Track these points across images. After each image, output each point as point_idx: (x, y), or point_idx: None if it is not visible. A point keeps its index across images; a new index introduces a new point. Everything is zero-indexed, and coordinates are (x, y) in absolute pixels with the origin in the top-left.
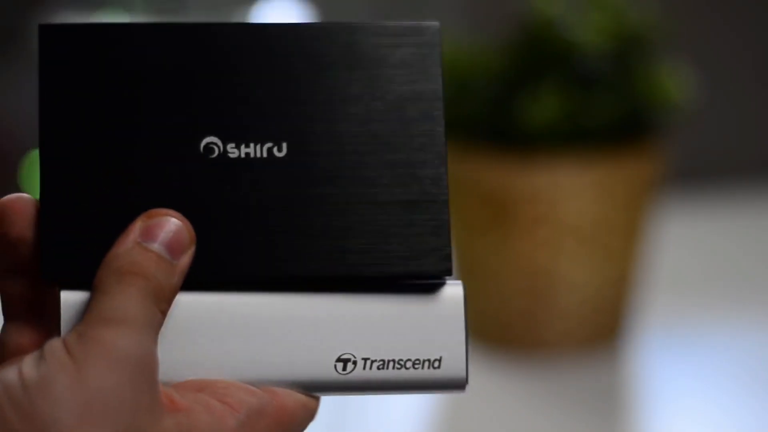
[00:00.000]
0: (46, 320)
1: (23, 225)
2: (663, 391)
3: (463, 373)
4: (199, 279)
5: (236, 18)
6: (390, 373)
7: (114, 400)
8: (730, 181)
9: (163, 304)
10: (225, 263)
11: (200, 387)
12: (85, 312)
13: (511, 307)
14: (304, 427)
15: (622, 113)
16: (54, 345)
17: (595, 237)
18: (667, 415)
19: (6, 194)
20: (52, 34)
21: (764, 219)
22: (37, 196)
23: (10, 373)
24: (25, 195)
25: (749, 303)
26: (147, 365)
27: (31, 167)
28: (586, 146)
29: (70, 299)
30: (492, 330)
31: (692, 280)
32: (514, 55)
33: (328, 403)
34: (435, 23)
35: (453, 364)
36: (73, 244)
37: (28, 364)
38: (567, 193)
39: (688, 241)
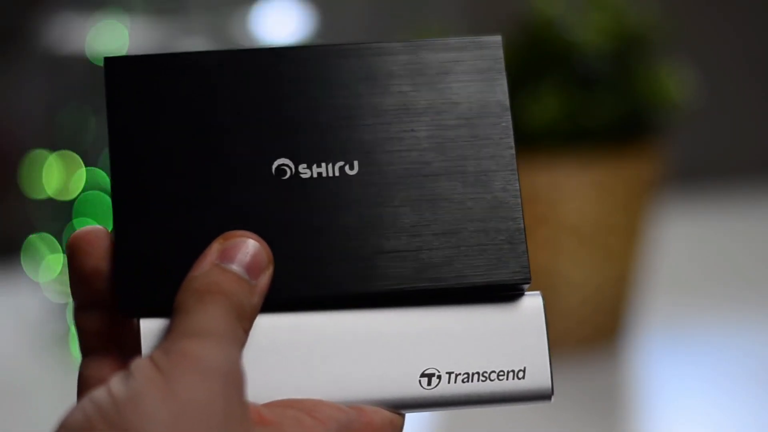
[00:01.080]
0: (125, 351)
1: (98, 257)
2: (663, 390)
3: (549, 383)
4: (278, 299)
5: (237, 18)
6: (475, 386)
7: (205, 412)
8: (730, 181)
9: (245, 323)
10: (304, 282)
11: (288, 405)
12: (168, 332)
13: None
14: None
15: (622, 113)
16: (140, 362)
17: (595, 237)
18: (667, 414)
19: (6, 195)
20: (118, 67)
21: (764, 219)
22: (37, 195)
23: (100, 391)
24: (98, 227)
25: (749, 303)
26: (236, 377)
27: (32, 167)
28: (586, 146)
29: (150, 326)
30: None
31: (692, 280)
32: (514, 55)
33: None
34: (497, 36)
35: (537, 374)
36: (149, 273)
37: (116, 382)
38: (567, 193)
39: (688, 241)
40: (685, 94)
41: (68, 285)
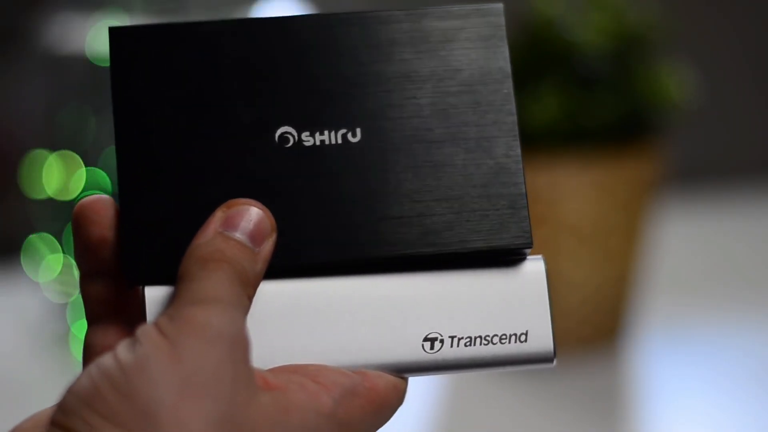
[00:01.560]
0: (130, 319)
1: (104, 226)
2: (662, 390)
3: (551, 346)
4: (281, 266)
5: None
6: (477, 350)
7: (212, 377)
8: (730, 181)
9: (249, 289)
10: (307, 249)
11: (292, 370)
12: (173, 299)
13: None
14: (396, 408)
15: (622, 113)
16: (146, 328)
17: (595, 237)
18: (666, 414)
19: (6, 195)
20: (122, 37)
21: (764, 219)
22: (37, 195)
23: (107, 357)
24: (104, 196)
25: (749, 303)
26: (241, 343)
27: (32, 167)
28: (586, 146)
29: (154, 294)
30: None
31: (692, 280)
32: (514, 55)
33: None
34: (498, 4)
35: (540, 338)
36: (154, 241)
37: (123, 348)
38: (567, 193)
39: (687, 241)
40: (685, 94)
41: (72, 266)
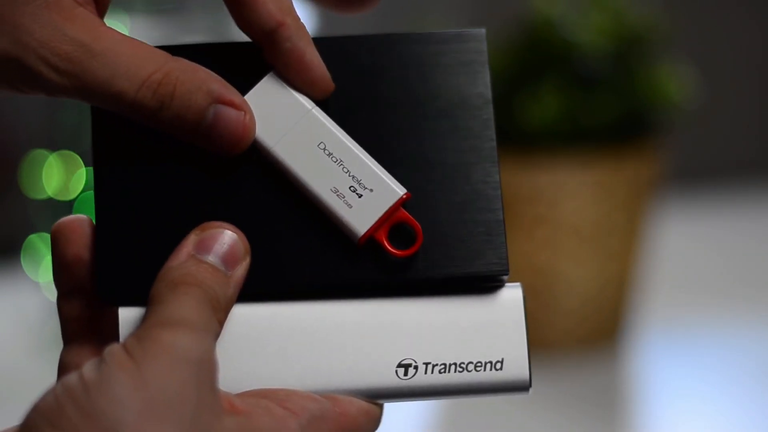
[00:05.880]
0: (104, 339)
1: (80, 246)
2: (662, 390)
3: (526, 374)
4: (255, 290)
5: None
6: (452, 377)
7: (175, 399)
8: (730, 181)
9: (219, 314)
10: (281, 273)
11: (261, 395)
12: (142, 321)
13: None
14: None
15: (622, 113)
16: (113, 348)
17: (595, 237)
18: (666, 414)
19: (6, 195)
20: None
21: (764, 219)
22: (37, 195)
23: (72, 376)
24: (81, 216)
25: (749, 302)
26: (208, 365)
27: (32, 167)
28: (586, 146)
29: (128, 315)
30: None
31: (692, 280)
32: (514, 55)
33: None
34: (481, 30)
35: (515, 366)
36: (129, 262)
37: (88, 367)
38: (567, 193)
39: (687, 241)
40: (685, 95)
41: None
